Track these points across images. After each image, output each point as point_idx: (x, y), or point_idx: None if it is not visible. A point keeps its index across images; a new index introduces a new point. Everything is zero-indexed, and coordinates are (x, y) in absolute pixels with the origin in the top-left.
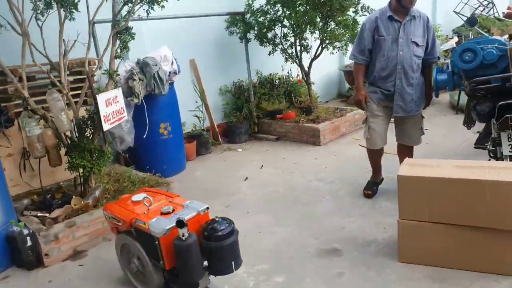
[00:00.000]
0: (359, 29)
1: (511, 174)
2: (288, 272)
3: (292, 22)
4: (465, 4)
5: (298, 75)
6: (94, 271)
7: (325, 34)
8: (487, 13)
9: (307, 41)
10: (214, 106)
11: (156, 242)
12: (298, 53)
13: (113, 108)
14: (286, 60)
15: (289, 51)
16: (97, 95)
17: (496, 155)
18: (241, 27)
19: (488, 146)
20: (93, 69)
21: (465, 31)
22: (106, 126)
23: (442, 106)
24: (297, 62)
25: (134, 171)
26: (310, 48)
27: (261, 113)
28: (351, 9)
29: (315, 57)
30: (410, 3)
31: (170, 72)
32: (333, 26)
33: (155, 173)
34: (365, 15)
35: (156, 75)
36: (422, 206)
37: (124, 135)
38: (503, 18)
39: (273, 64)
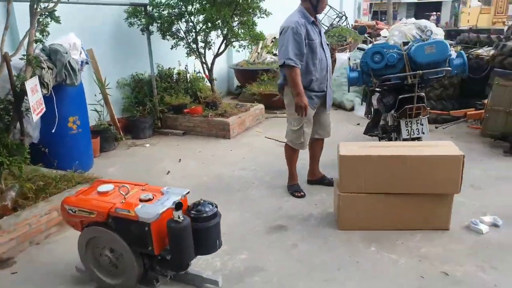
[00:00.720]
0: (287, 34)
1: (426, 150)
2: (247, 249)
3: (205, 18)
4: (325, 15)
5: (199, 71)
6: (34, 277)
7: (231, 32)
8: (342, 23)
9: (210, 37)
10: (112, 99)
11: (146, 229)
12: (202, 49)
13: (36, 98)
14: (188, 54)
15: (193, 46)
16: (25, 82)
17: (390, 140)
18: (143, 19)
19: (378, 133)
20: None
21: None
22: (35, 117)
23: None
24: (201, 58)
25: (44, 169)
26: (212, 45)
27: (166, 108)
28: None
29: (218, 54)
30: (322, 10)
31: (82, 62)
32: (235, 25)
33: (76, 170)
34: (263, 17)
35: (68, 64)
36: (359, 180)
37: (30, 130)
38: (352, 29)
39: (171, 58)
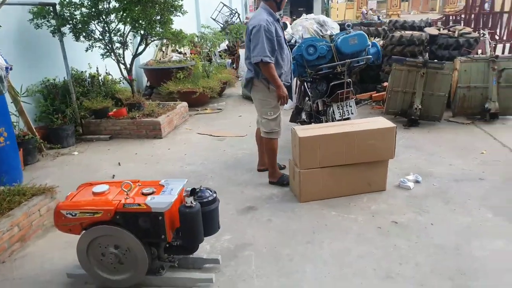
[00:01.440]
0: (260, 32)
1: (365, 125)
2: (229, 230)
3: (126, 17)
4: (219, 12)
5: (108, 73)
6: None
7: (153, 31)
8: (234, 20)
9: (128, 37)
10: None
11: (160, 218)
12: (118, 50)
13: None
14: (104, 56)
15: (110, 47)
16: None
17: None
18: (52, 20)
19: (303, 120)
20: None
21: None
22: None
23: (238, 98)
24: (117, 59)
25: None
26: (128, 45)
27: (86, 113)
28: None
29: (136, 54)
30: (283, 6)
31: (7, 68)
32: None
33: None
34: (178, 16)
35: None
36: (315, 157)
37: None
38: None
39: (83, 60)
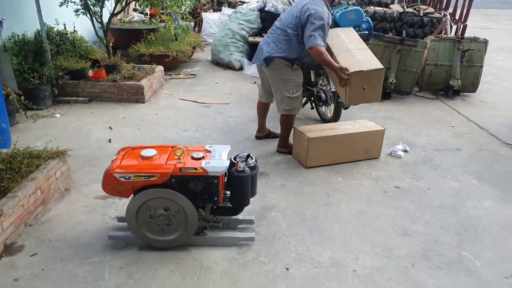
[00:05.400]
0: (321, 23)
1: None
2: None
3: None
4: None
5: (75, 30)
6: (61, 255)
7: None
8: None
9: None
10: None
11: (216, 181)
12: (96, 8)
13: None
14: (78, 13)
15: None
16: None
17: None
18: None
19: None
20: None
21: None
22: None
23: (208, 63)
24: (91, 17)
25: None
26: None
27: (62, 73)
28: None
29: (114, 13)
30: None
31: (1, 21)
32: None
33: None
34: None
35: None
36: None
37: None
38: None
39: (54, 16)
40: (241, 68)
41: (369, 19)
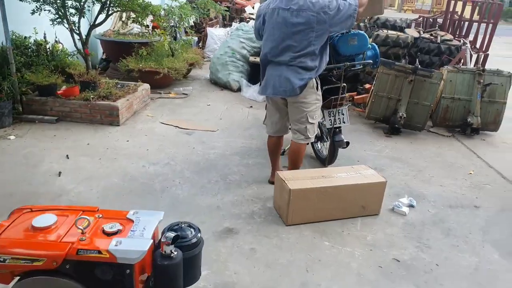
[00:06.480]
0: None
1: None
2: (206, 262)
3: None
4: None
5: (58, 40)
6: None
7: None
8: None
9: (84, 3)
10: None
11: (128, 271)
12: (74, 17)
13: None
14: (54, 22)
15: (61, 12)
16: None
17: None
18: None
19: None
20: None
21: None
22: None
23: (205, 82)
24: (70, 27)
25: None
26: (85, 12)
27: (28, 89)
28: None
29: (95, 24)
30: None
31: None
32: None
33: None
34: None
35: None
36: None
37: None
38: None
39: (28, 25)
40: (239, 89)
41: (375, 45)
